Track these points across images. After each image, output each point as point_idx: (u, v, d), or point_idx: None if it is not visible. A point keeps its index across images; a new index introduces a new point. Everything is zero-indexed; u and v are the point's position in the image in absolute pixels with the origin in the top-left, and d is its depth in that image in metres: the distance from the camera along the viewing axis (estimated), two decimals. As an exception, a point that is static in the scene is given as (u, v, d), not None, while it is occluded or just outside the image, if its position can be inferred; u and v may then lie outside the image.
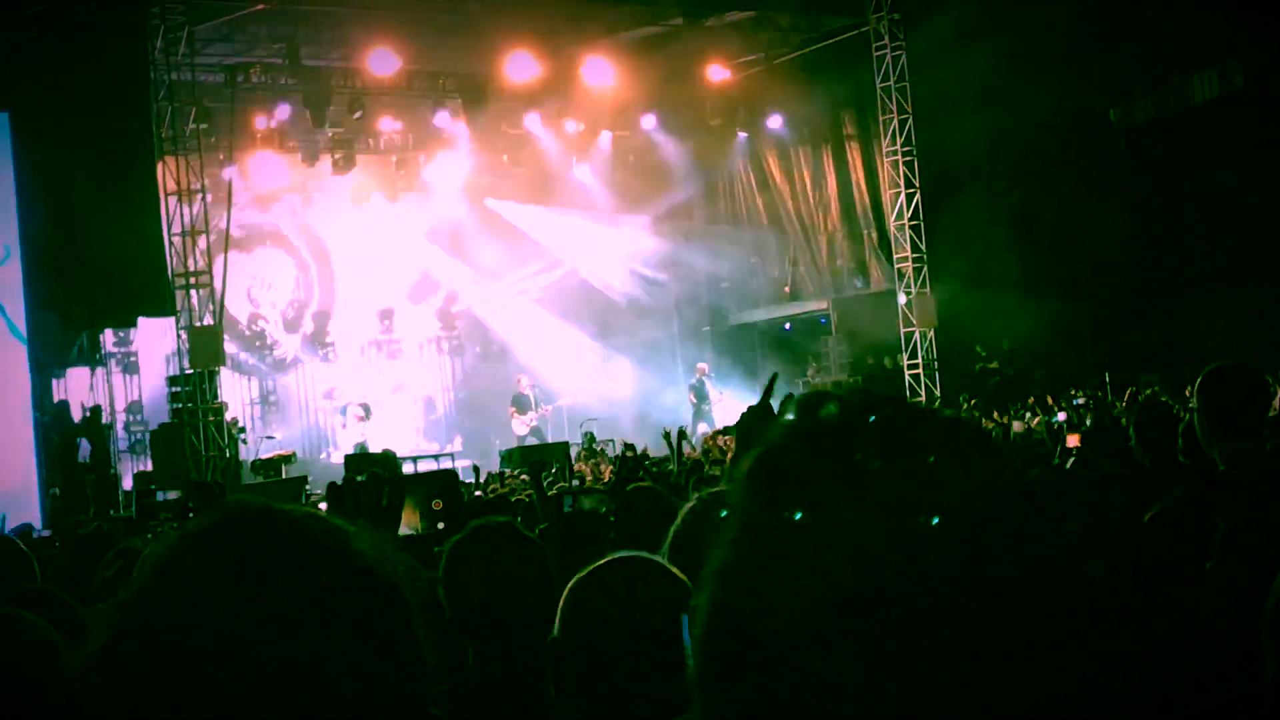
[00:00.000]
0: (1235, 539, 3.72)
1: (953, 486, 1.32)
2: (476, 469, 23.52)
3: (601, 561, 3.41)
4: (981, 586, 1.28)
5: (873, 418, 1.40)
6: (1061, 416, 19.59)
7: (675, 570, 3.43)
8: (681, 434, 22.81)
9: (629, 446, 21.67)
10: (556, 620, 3.35)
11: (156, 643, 1.49)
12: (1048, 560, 1.33)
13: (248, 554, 1.54)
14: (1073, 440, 10.11)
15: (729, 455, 18.43)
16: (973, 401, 26.18)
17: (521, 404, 31.37)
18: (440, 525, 7.27)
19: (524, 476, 22.29)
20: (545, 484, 18.21)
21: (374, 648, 1.54)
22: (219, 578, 1.51)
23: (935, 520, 1.29)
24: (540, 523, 9.17)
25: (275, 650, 1.48)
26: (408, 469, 26.36)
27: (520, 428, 30.98)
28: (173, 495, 17.68)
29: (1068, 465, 9.57)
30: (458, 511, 7.40)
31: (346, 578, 1.56)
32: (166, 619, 1.50)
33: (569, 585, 3.38)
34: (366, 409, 30.17)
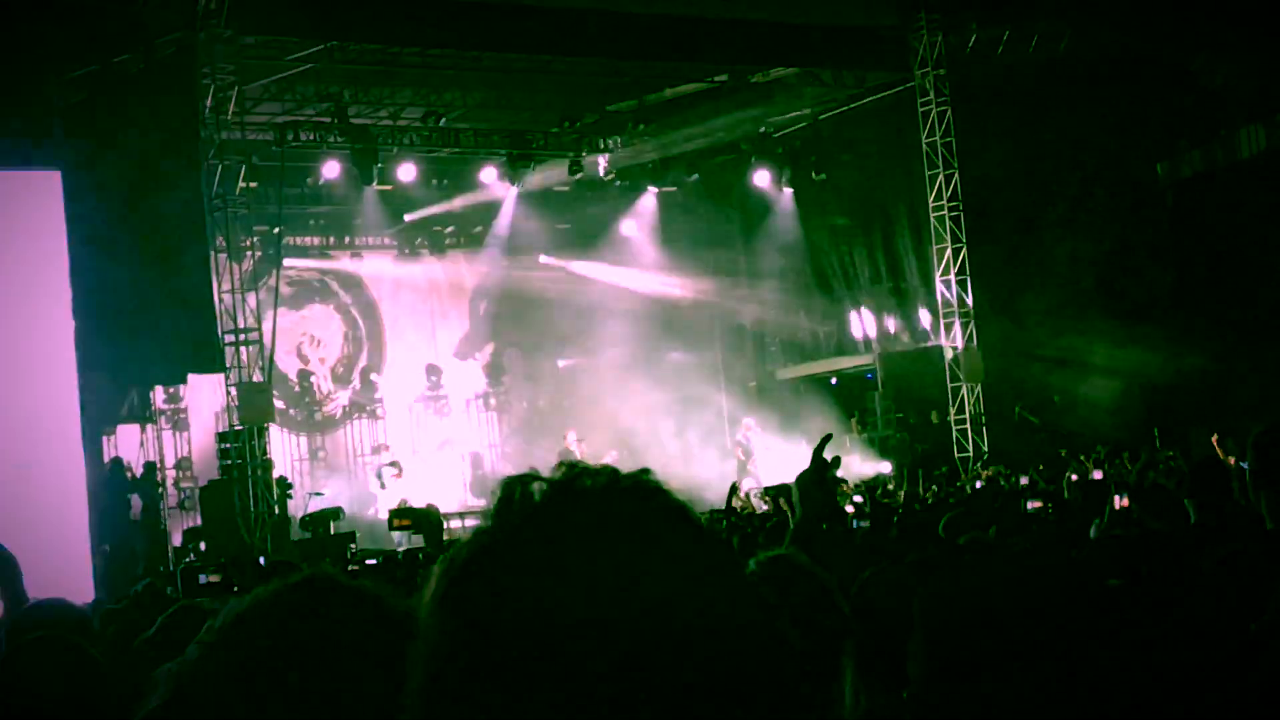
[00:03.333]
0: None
1: (642, 564, 1.38)
2: None
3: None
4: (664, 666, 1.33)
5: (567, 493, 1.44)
6: (1098, 475, 19.49)
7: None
8: (734, 489, 22.88)
9: None
10: None
11: (211, 708, 1.51)
12: (738, 638, 1.37)
13: (311, 619, 1.58)
14: (1121, 502, 10.06)
15: (790, 515, 18.43)
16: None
17: (567, 457, 31.36)
18: None
19: None
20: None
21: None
22: (276, 649, 1.55)
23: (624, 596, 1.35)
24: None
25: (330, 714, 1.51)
26: (455, 525, 26.48)
27: (566, 483, 30.91)
28: (215, 578, 17.59)
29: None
30: None
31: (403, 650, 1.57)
32: (222, 684, 1.53)
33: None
34: (397, 465, 30.21)
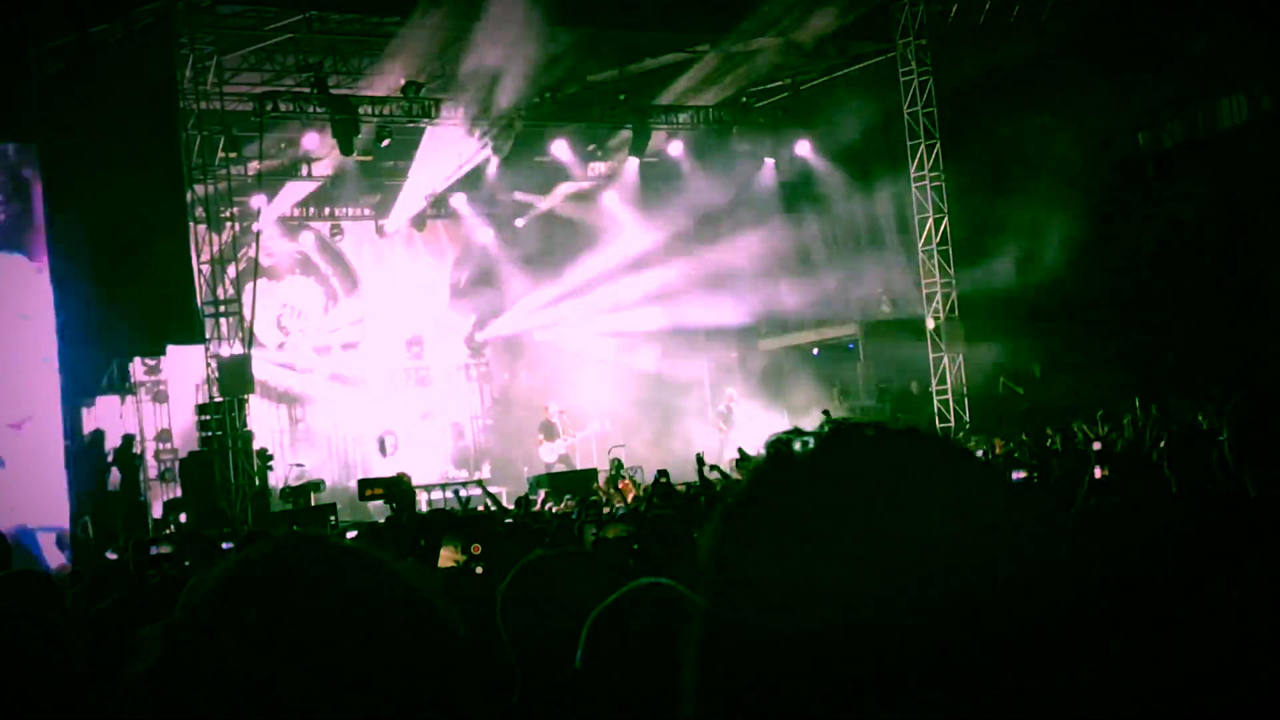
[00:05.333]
0: (1265, 568, 3.69)
1: (937, 505, 1.35)
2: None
3: (622, 591, 3.39)
4: (974, 604, 1.30)
5: (849, 442, 1.40)
6: (1097, 446, 19.47)
7: (696, 597, 3.42)
8: (700, 460, 22.82)
9: (662, 473, 21.55)
10: (579, 650, 3.33)
11: (207, 664, 1.52)
12: (1042, 573, 1.34)
13: (303, 581, 1.58)
14: (1098, 471, 10.06)
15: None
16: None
17: (549, 431, 31.36)
18: (479, 569, 7.34)
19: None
20: (574, 512, 18.29)
21: (428, 683, 1.57)
22: (272, 603, 1.55)
23: (920, 539, 1.31)
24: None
25: (325, 675, 1.51)
26: (435, 495, 26.48)
27: (549, 455, 30.96)
28: (166, 549, 17.53)
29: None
30: (494, 555, 7.49)
31: (401, 608, 1.60)
32: (218, 641, 1.53)
33: (591, 616, 3.36)
34: (394, 435, 30.28)
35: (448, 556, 7.40)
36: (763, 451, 1.45)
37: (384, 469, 28.46)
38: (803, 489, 1.38)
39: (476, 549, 7.37)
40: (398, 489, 24.40)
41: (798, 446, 1.43)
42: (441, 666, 1.59)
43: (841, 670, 1.29)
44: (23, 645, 4.19)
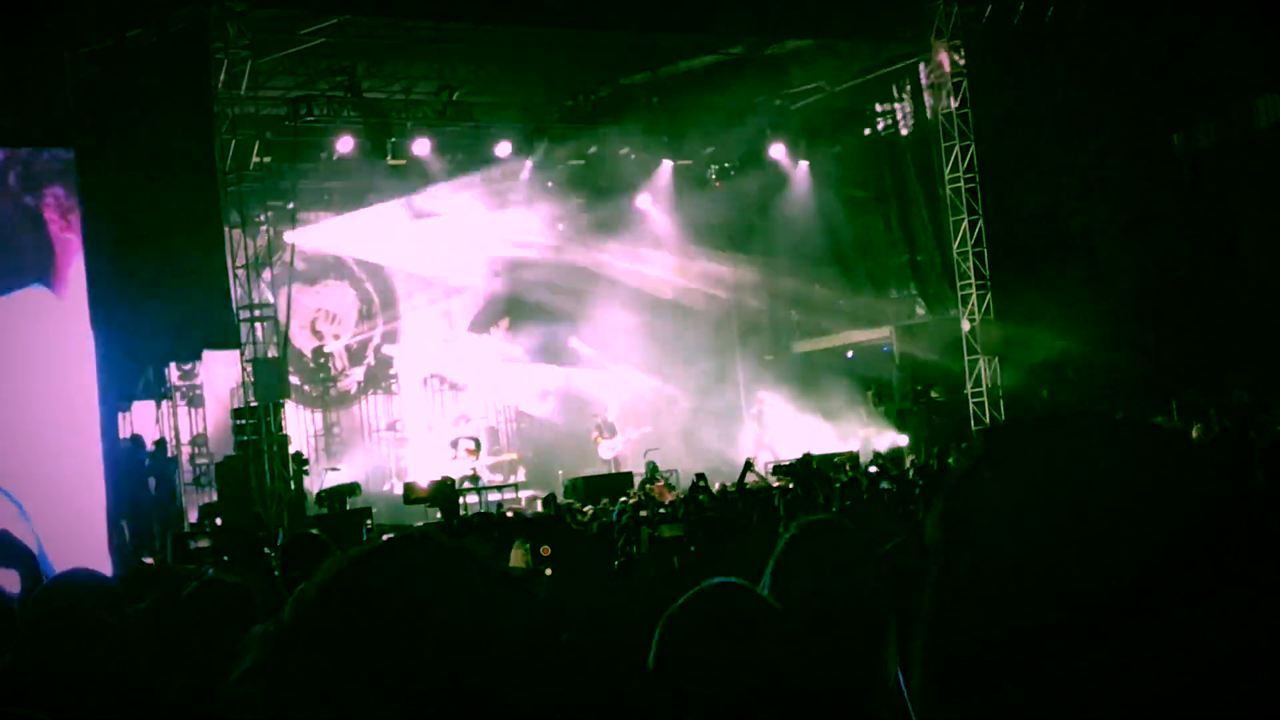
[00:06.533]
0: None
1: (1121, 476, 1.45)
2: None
3: (695, 590, 3.37)
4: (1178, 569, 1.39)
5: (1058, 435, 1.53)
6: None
7: (768, 597, 3.41)
8: (749, 465, 22.97)
9: (700, 476, 21.68)
10: (651, 651, 3.31)
11: (318, 663, 1.52)
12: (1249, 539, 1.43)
13: (416, 579, 1.58)
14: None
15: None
16: None
17: (609, 429, 31.62)
18: (548, 571, 7.37)
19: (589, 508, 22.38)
20: (617, 512, 18.33)
21: (540, 683, 1.58)
22: (385, 602, 1.55)
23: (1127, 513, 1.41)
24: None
25: (439, 675, 1.51)
26: (471, 500, 26.52)
27: (607, 451, 31.23)
28: (204, 544, 17.55)
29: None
30: (566, 558, 7.50)
31: (513, 608, 1.60)
32: (330, 640, 1.53)
33: (664, 615, 3.35)
34: (478, 442, 30.30)
35: (517, 558, 7.42)
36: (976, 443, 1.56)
37: (453, 473, 28.37)
38: (1015, 468, 1.50)
39: (546, 551, 7.37)
40: (441, 494, 24.43)
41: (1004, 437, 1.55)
42: (553, 666, 1.59)
43: (1057, 607, 1.39)
44: (80, 649, 4.19)
